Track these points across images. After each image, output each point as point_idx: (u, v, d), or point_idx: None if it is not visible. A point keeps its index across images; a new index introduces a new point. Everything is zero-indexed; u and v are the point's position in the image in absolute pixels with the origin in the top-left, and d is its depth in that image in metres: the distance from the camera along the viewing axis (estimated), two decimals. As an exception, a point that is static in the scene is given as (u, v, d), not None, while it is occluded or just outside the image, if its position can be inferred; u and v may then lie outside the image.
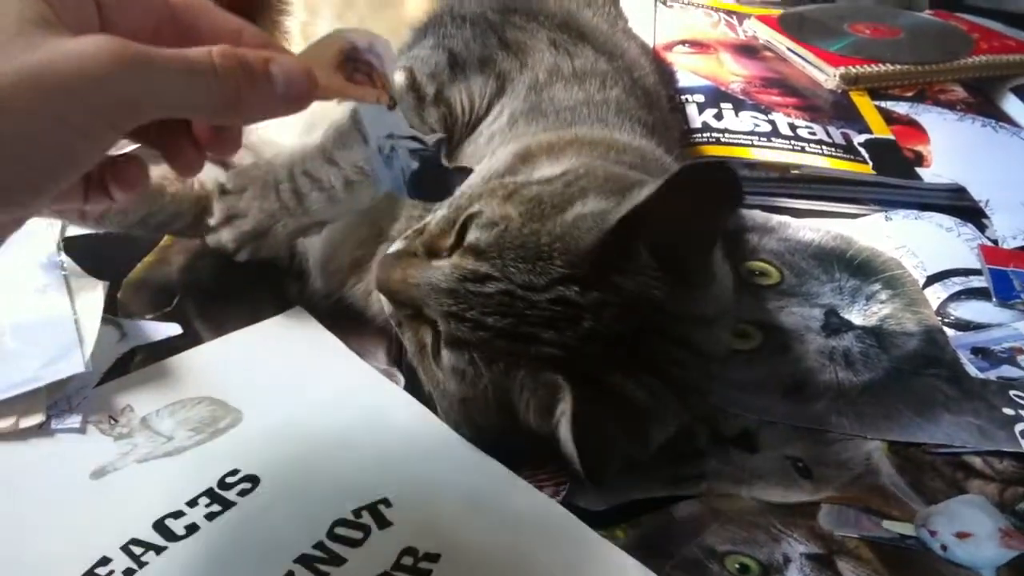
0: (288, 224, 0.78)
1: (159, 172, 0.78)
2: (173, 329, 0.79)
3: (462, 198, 0.70)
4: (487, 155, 0.78)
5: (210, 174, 0.82)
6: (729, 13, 1.39)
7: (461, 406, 0.70)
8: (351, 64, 0.53)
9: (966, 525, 0.72)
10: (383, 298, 0.71)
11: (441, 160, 0.59)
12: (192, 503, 0.66)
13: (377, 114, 0.56)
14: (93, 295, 0.78)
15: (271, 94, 0.49)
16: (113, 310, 0.80)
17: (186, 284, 0.84)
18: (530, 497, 0.69)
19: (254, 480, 0.68)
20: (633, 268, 0.65)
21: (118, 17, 0.48)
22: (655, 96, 0.93)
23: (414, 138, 0.57)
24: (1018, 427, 0.79)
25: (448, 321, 0.66)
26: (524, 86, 0.81)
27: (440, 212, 0.71)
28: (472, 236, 0.67)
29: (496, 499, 0.69)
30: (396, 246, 0.71)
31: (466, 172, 0.70)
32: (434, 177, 0.59)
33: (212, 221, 0.79)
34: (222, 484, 0.67)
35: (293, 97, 0.50)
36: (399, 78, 0.79)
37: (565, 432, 0.64)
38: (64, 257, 0.82)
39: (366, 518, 0.66)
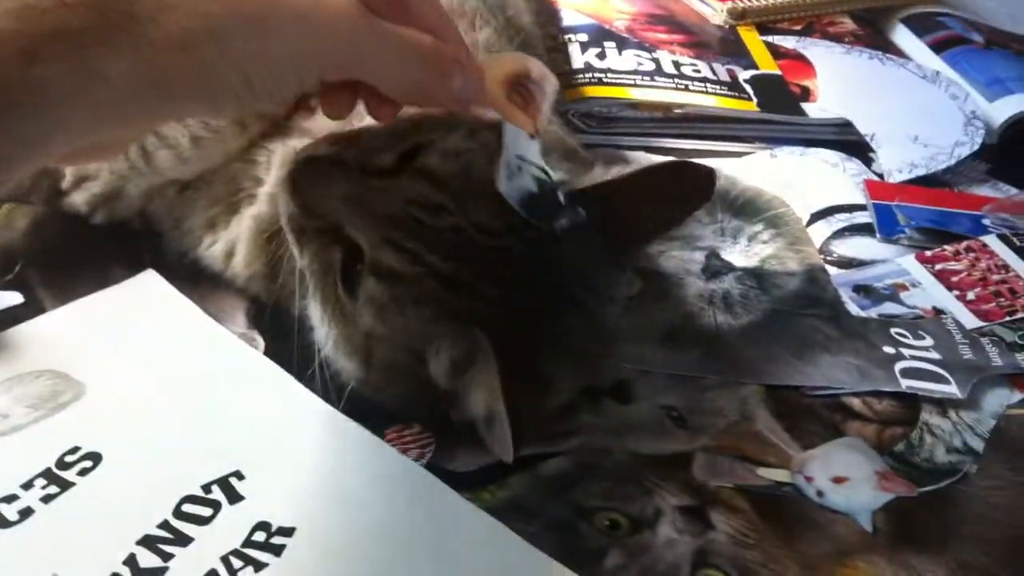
0: (139, 184, 0.75)
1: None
2: (14, 298, 0.74)
3: (408, 122, 0.64)
4: None
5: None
6: (615, -53, 1.35)
7: (363, 340, 0.65)
8: (516, 86, 0.60)
9: (843, 469, 0.70)
10: (285, 201, 0.65)
11: (558, 195, 0.63)
12: (27, 485, 0.61)
13: (517, 136, 0.61)
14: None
15: (449, 91, 0.56)
16: (-52, 282, 0.75)
17: (29, 250, 0.78)
18: (393, 462, 0.66)
19: (95, 458, 0.64)
20: (580, 237, 0.63)
21: None
22: (530, 35, 0.89)
23: (542, 169, 0.62)
24: (898, 366, 0.78)
25: (380, 249, 0.62)
26: None
27: (380, 126, 0.65)
28: (432, 160, 0.62)
29: (357, 465, 0.66)
30: (321, 149, 0.65)
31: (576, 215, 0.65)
32: (546, 205, 0.63)
33: (63, 184, 0.75)
34: (60, 463, 0.63)
35: (464, 100, 0.58)
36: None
37: (488, 400, 0.62)
38: None
39: (216, 493, 0.62)
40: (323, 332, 0.67)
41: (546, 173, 0.62)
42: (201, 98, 0.51)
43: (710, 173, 0.68)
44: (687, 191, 0.68)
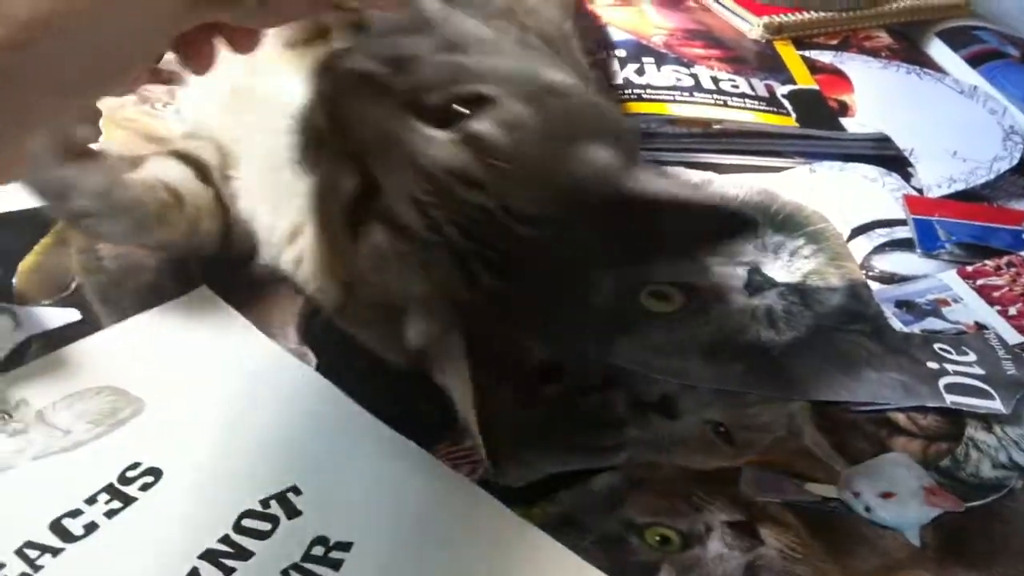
0: None
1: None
2: (71, 315, 0.75)
3: (474, 61, 0.62)
4: None
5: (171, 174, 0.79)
6: (650, -38, 1.36)
7: (343, 286, 0.64)
8: None
9: (890, 485, 0.71)
10: (312, 107, 0.61)
11: None
12: (91, 500, 0.63)
13: None
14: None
15: None
16: (8, 297, 0.76)
17: (85, 266, 0.80)
18: (446, 478, 0.67)
19: (156, 473, 0.65)
20: (607, 236, 0.62)
21: None
22: (580, 67, 0.89)
23: None
24: (942, 381, 0.79)
25: (403, 202, 0.58)
26: None
27: (435, 58, 0.61)
28: (484, 126, 0.58)
29: (410, 481, 0.67)
30: (371, 65, 0.59)
31: None
32: None
33: None
34: (123, 479, 0.64)
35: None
36: None
37: (462, 402, 0.61)
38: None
39: (275, 508, 0.64)
40: (310, 257, 0.67)
41: None
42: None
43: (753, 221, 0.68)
44: (724, 232, 0.66)
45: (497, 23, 0.79)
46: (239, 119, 0.81)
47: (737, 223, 0.64)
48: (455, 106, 0.59)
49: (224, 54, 0.55)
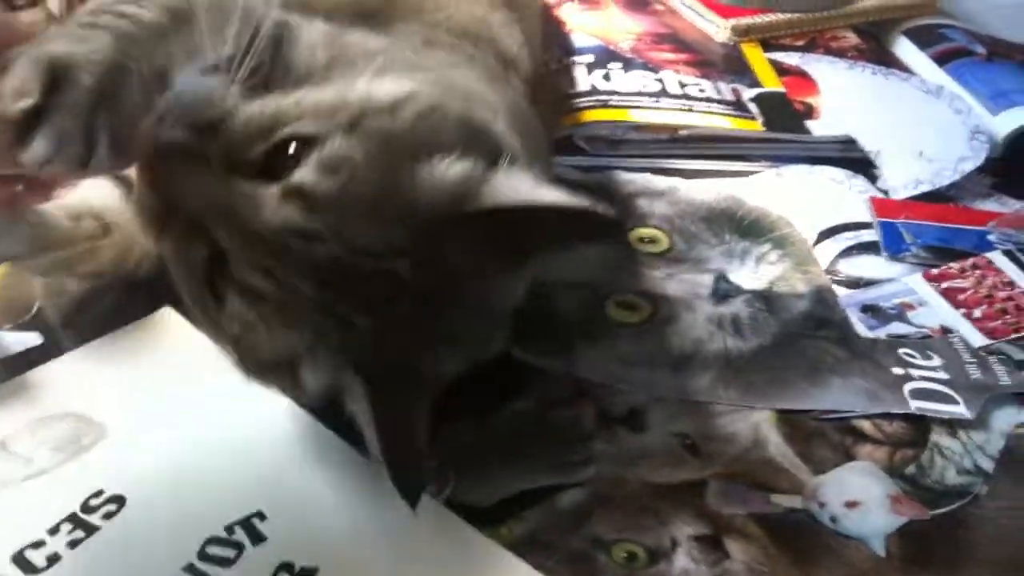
0: (138, 57, 0.60)
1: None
2: (32, 339, 0.75)
3: (287, 102, 0.58)
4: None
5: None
6: (618, -36, 1.36)
7: (235, 346, 0.62)
8: None
9: (855, 494, 0.71)
10: (141, 190, 0.59)
11: None
12: (53, 531, 0.62)
13: None
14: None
15: None
16: (-32, 323, 0.76)
17: (48, 290, 0.79)
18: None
19: (120, 501, 0.65)
20: (481, 251, 0.59)
21: None
22: (506, 57, 0.87)
23: None
24: (907, 387, 0.79)
25: (248, 270, 0.56)
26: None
27: (250, 109, 0.58)
28: (307, 177, 0.55)
29: (375, 504, 0.66)
30: (175, 134, 0.56)
31: None
32: None
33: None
34: (85, 507, 0.64)
35: None
36: None
37: (370, 438, 0.60)
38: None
39: (239, 534, 0.63)
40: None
41: None
42: None
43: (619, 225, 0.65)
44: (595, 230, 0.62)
45: (400, 26, 0.77)
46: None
47: (602, 224, 0.60)
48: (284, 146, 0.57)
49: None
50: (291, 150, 0.57)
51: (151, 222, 0.60)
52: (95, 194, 0.77)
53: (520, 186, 0.58)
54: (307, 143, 0.56)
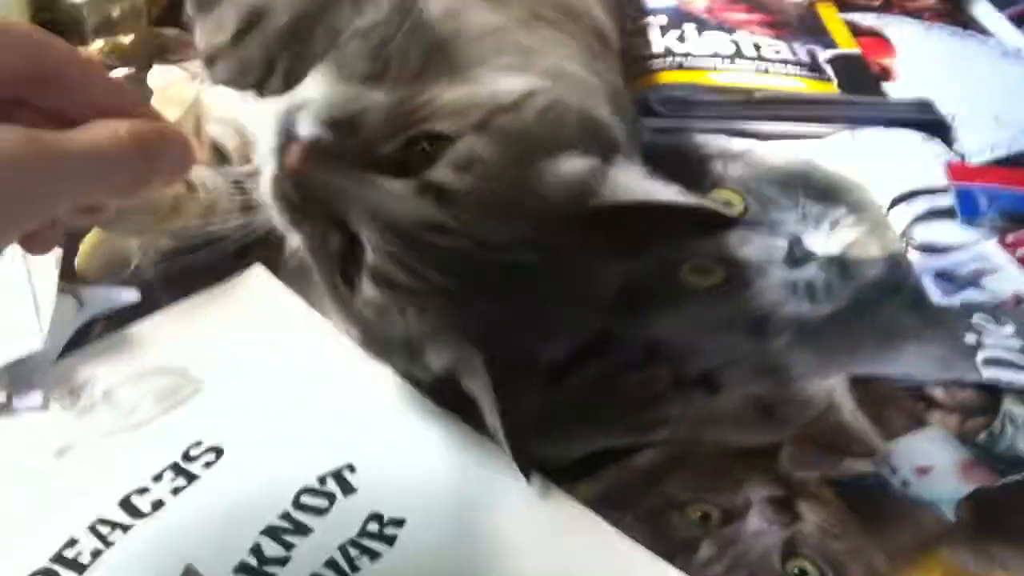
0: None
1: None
2: (131, 296, 0.78)
3: (415, 95, 0.63)
4: None
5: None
6: (693, -78, 1.35)
7: (363, 327, 0.66)
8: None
9: (926, 459, 0.72)
10: (281, 182, 0.63)
11: None
12: (157, 478, 0.66)
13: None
14: (47, 263, 0.77)
15: (166, 166, 0.50)
16: (70, 276, 0.79)
17: (142, 246, 0.82)
18: (494, 454, 0.69)
19: (218, 451, 0.68)
20: (598, 243, 0.63)
21: None
22: (600, 31, 0.89)
23: None
24: (980, 355, 0.80)
25: (383, 259, 0.60)
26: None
27: (383, 105, 0.62)
28: (440, 174, 0.60)
29: (459, 458, 0.69)
30: (312, 129, 0.61)
31: None
32: None
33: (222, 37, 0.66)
34: (186, 456, 0.67)
35: (182, 168, 0.52)
36: None
37: (490, 418, 0.64)
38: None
39: (331, 485, 0.66)
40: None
41: None
42: None
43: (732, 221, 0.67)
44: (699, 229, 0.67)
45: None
46: (260, 104, 0.83)
47: (719, 223, 0.65)
48: (419, 144, 0.61)
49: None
50: (425, 148, 0.60)
51: (289, 209, 0.64)
52: None
53: (636, 183, 0.61)
54: (439, 140, 0.60)
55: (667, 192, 0.61)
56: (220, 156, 0.83)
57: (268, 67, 0.55)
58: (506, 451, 0.64)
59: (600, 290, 0.69)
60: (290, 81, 0.58)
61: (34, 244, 0.51)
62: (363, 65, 0.65)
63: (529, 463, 0.65)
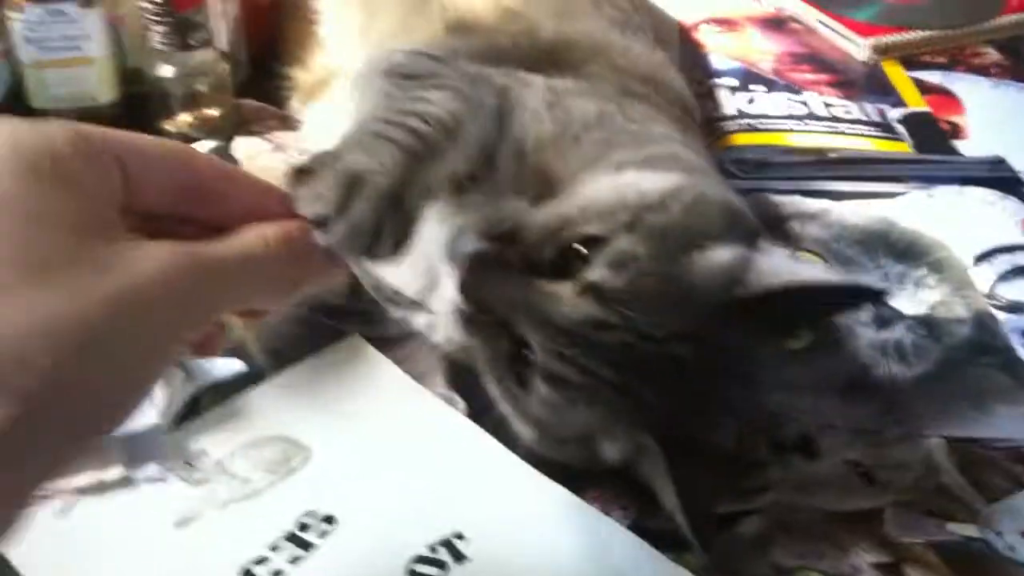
0: (419, 175, 0.65)
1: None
2: (237, 365, 0.80)
3: (568, 206, 0.67)
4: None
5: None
6: (753, -17, 1.38)
7: (537, 425, 0.69)
8: None
9: (1030, 523, 0.73)
10: (458, 298, 0.67)
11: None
12: (274, 547, 0.67)
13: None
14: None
15: (315, 266, 0.52)
16: (176, 349, 0.81)
17: (244, 317, 0.84)
18: (598, 523, 0.70)
19: (330, 520, 0.69)
20: (751, 329, 0.65)
21: (143, 186, 0.46)
22: (683, 101, 0.92)
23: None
24: (1074, 415, 0.80)
25: (554, 359, 0.63)
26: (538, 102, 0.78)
27: (541, 216, 0.67)
28: (598, 275, 0.63)
29: (565, 525, 0.70)
30: (481, 245, 0.66)
31: None
32: None
33: (323, 208, 0.58)
34: (301, 526, 0.69)
35: (334, 266, 0.54)
36: None
37: (667, 499, 0.65)
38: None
39: (442, 553, 0.67)
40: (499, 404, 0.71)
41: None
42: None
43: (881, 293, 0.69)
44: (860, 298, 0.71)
45: (591, 68, 0.82)
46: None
47: (870, 296, 0.68)
48: (574, 247, 0.65)
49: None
50: (581, 250, 0.64)
51: (464, 321, 0.67)
52: None
53: (782, 266, 0.64)
54: (594, 242, 0.64)
55: (813, 272, 0.63)
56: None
57: (376, 232, 0.58)
58: (686, 530, 0.64)
59: (760, 375, 0.70)
60: (399, 243, 0.61)
61: (203, 349, 0.53)
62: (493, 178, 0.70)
63: (708, 538, 0.65)
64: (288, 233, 0.49)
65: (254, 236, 0.48)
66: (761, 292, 0.63)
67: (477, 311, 0.66)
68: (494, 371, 0.69)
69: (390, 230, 0.59)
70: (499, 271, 0.65)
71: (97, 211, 0.43)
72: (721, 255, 0.65)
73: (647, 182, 0.68)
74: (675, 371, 0.63)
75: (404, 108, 0.68)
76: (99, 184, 0.44)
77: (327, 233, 0.54)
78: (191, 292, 0.44)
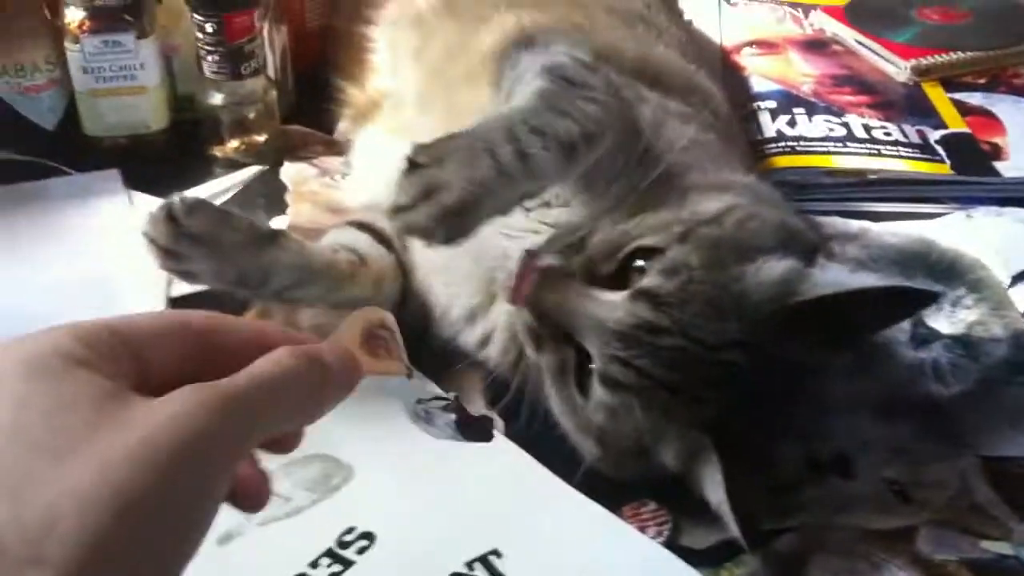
0: (501, 197, 0.69)
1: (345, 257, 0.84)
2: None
3: (632, 223, 0.70)
4: None
5: (355, 242, 0.86)
6: (794, 6, 1.38)
7: (598, 432, 0.71)
8: (370, 338, 0.55)
9: (1065, 541, 0.73)
10: (522, 313, 0.72)
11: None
12: (314, 564, 0.69)
13: (402, 385, 0.63)
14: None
15: (335, 381, 0.50)
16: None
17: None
18: (634, 540, 0.71)
19: (370, 537, 0.71)
20: (803, 338, 0.67)
21: (152, 354, 0.46)
22: (728, 122, 0.93)
23: (437, 397, 0.69)
24: (1112, 434, 0.80)
25: (610, 362, 0.67)
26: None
27: (603, 229, 0.71)
28: (651, 281, 0.67)
29: (601, 543, 0.71)
30: (548, 259, 0.70)
31: None
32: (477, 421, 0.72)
33: (401, 199, 0.68)
34: (341, 543, 0.70)
35: (349, 381, 0.51)
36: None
37: (715, 495, 0.67)
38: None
39: (479, 570, 0.69)
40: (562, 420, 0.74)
41: (443, 398, 0.71)
42: None
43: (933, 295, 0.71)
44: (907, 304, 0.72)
45: (692, 100, 0.87)
46: None
47: (923, 299, 0.70)
48: (632, 259, 0.69)
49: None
50: (638, 262, 0.68)
51: (530, 336, 0.72)
52: (350, 238, 0.88)
53: (837, 277, 0.67)
54: (650, 254, 0.67)
55: (865, 279, 0.67)
56: (380, 238, 0.88)
57: (428, 234, 0.68)
58: (733, 527, 0.66)
59: (827, 396, 0.75)
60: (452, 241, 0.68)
61: (245, 494, 0.49)
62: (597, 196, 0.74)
63: (757, 539, 0.68)
64: (300, 350, 0.47)
65: (262, 362, 0.46)
66: (814, 299, 0.65)
67: (542, 323, 0.70)
68: (558, 382, 0.71)
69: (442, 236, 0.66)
70: (563, 280, 0.69)
71: (111, 389, 0.42)
72: (774, 267, 0.67)
73: (703, 206, 0.72)
74: (729, 377, 0.66)
75: (539, 124, 0.70)
76: (109, 366, 0.43)
77: (391, 220, 0.65)
78: (213, 427, 0.42)
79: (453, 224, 0.67)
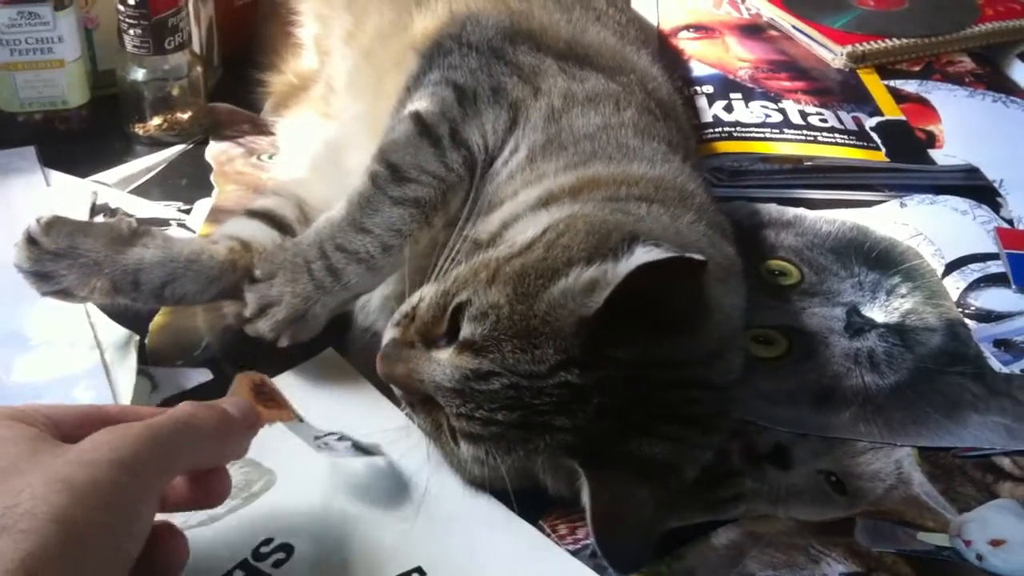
0: (326, 303, 0.76)
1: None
2: (203, 375, 0.79)
3: (450, 281, 0.70)
4: (508, 197, 0.77)
5: (244, 230, 0.83)
6: (731, -11, 1.38)
7: (483, 480, 0.70)
8: (259, 396, 0.67)
9: (999, 532, 0.73)
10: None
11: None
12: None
13: (297, 427, 0.69)
14: (125, 347, 0.78)
15: (237, 424, 0.63)
16: (143, 359, 0.79)
17: (212, 325, 0.83)
18: (562, 557, 0.69)
19: (288, 549, 0.67)
20: (624, 338, 0.65)
21: (70, 432, 0.57)
22: (671, 105, 0.91)
23: (330, 433, 0.72)
24: (1046, 423, 0.80)
25: (458, 419, 0.67)
26: (540, 115, 0.80)
27: (428, 295, 0.70)
28: (466, 331, 0.67)
29: (528, 560, 0.69)
30: (391, 333, 0.71)
31: None
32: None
33: (247, 312, 0.77)
34: (256, 555, 0.67)
35: (250, 422, 0.64)
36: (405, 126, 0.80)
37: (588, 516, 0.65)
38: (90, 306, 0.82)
39: (403, 590, 0.66)
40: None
41: (337, 433, 0.72)
42: None
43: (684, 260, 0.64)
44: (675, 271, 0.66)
45: (624, 79, 0.86)
46: (326, 183, 0.87)
47: (695, 266, 0.65)
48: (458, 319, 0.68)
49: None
50: (461, 316, 0.67)
51: (409, 405, 0.72)
52: (240, 228, 0.85)
53: (623, 267, 0.64)
54: (465, 306, 0.67)
55: (644, 255, 0.63)
56: (278, 226, 0.86)
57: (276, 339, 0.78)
58: (596, 548, 0.66)
59: (713, 377, 0.71)
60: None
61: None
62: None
63: (626, 565, 0.67)
64: (201, 403, 0.62)
65: (177, 407, 0.61)
66: (605, 295, 0.63)
67: (405, 392, 0.71)
68: (437, 441, 0.70)
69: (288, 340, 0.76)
70: (405, 353, 0.70)
71: (40, 434, 0.56)
72: (580, 278, 0.66)
73: (525, 231, 0.72)
74: (572, 399, 0.65)
75: (343, 242, 0.76)
76: (37, 424, 0.57)
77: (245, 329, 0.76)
78: (137, 455, 0.54)
79: (295, 330, 0.76)
